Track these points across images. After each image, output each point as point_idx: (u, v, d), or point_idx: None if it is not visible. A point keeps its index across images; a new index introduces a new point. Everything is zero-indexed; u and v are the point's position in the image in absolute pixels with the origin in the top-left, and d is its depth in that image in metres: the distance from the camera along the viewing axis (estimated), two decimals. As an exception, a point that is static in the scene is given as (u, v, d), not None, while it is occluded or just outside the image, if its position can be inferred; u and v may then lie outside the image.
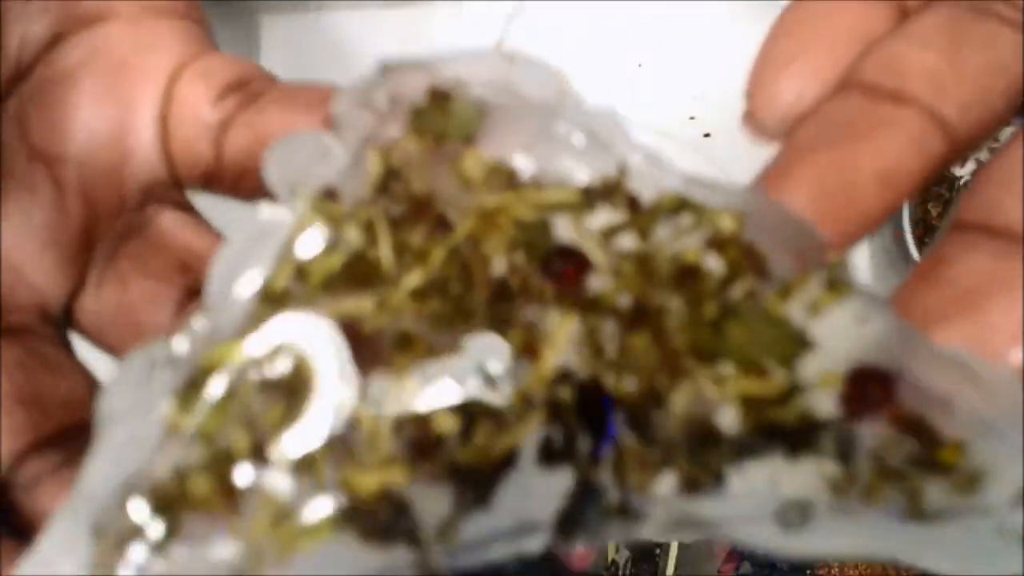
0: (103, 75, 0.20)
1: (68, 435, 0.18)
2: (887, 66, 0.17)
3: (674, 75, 0.41)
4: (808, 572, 0.46)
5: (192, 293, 0.20)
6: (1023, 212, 0.16)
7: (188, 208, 0.21)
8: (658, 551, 0.47)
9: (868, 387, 0.15)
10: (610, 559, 0.48)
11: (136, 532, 0.14)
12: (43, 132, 0.20)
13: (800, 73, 0.17)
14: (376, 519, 0.14)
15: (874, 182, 0.15)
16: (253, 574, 0.14)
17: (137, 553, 0.14)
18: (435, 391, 0.15)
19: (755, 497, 0.15)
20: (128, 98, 0.20)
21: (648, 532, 0.15)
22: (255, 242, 0.16)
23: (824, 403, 0.15)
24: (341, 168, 0.16)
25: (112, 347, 0.20)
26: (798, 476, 0.15)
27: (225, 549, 0.14)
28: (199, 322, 0.15)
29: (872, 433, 0.15)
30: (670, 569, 0.48)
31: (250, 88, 0.20)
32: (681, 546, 0.48)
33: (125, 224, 0.20)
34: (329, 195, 0.16)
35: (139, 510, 0.14)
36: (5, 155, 0.20)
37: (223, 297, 0.15)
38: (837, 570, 0.46)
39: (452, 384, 0.15)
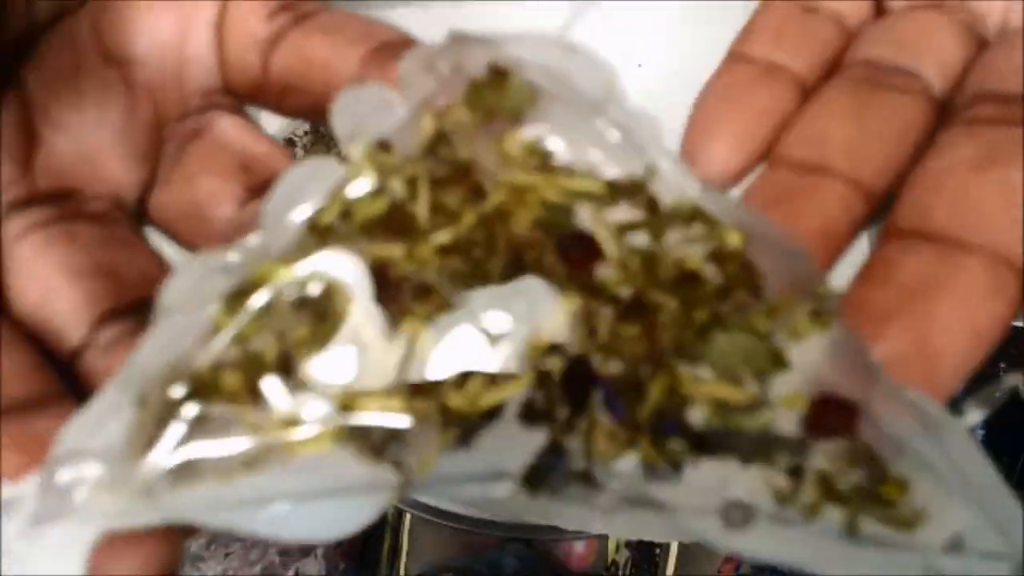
0: None
1: (142, 307, 0.20)
2: (809, 141, 0.19)
3: (675, 75, 0.41)
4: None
5: (252, 191, 0.22)
6: (953, 217, 0.18)
7: (245, 115, 0.23)
8: (658, 551, 0.48)
9: (830, 414, 0.16)
10: (610, 559, 0.48)
11: (173, 410, 0.17)
12: (114, 36, 0.22)
13: (724, 144, 0.20)
14: (371, 440, 0.16)
15: (812, 244, 0.18)
16: (258, 464, 0.16)
17: (176, 428, 0.16)
18: (443, 343, 0.17)
19: (706, 491, 0.16)
20: (188, 7, 0.22)
21: (603, 502, 0.16)
22: (312, 177, 0.17)
23: (786, 420, 0.16)
24: (398, 123, 0.18)
25: (180, 239, 0.22)
26: (749, 481, 0.16)
27: (241, 438, 0.16)
28: (253, 240, 0.17)
29: (825, 455, 0.16)
30: (670, 569, 0.48)
31: (300, 9, 0.22)
32: (681, 546, 0.47)
33: (190, 127, 0.22)
34: (383, 147, 0.17)
35: (179, 392, 0.17)
36: (83, 57, 0.22)
37: (277, 220, 0.17)
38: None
39: (458, 340, 0.17)
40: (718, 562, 0.48)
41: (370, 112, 0.18)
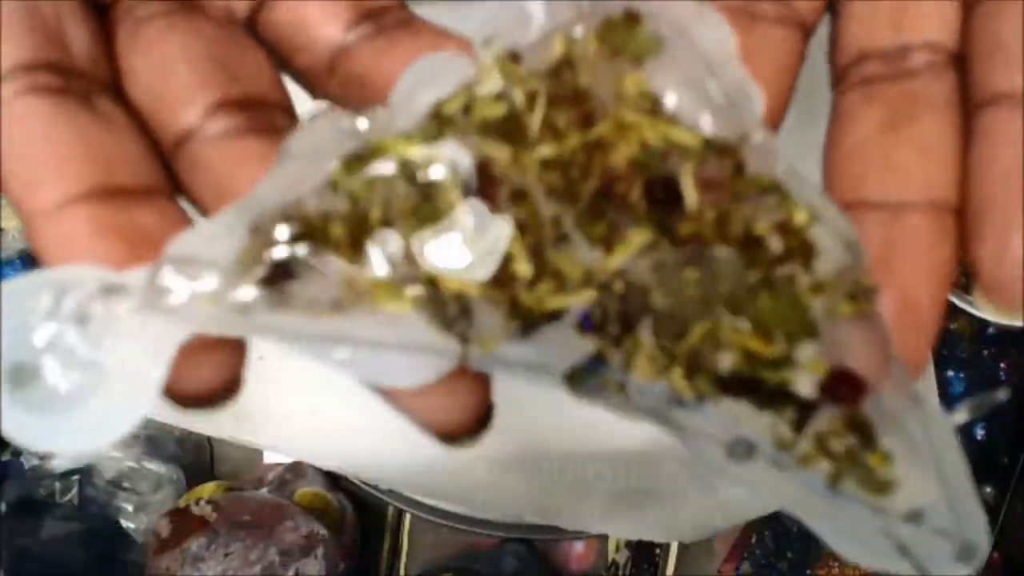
0: None
1: (252, 105, 0.21)
2: None
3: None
4: (807, 572, 0.48)
5: (360, 16, 0.22)
6: (885, 183, 0.20)
7: None
8: (658, 551, 0.47)
9: (843, 385, 0.18)
10: (610, 559, 0.48)
11: (281, 243, 0.19)
12: None
13: None
14: (446, 311, 0.19)
15: None
16: (343, 309, 0.18)
17: (280, 259, 0.18)
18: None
19: (719, 424, 0.19)
20: None
21: (626, 411, 0.19)
22: (445, 68, 0.19)
23: (803, 381, 0.18)
24: (531, 39, 0.19)
25: (286, 55, 0.23)
26: (757, 424, 0.19)
27: (334, 284, 0.19)
28: (381, 113, 0.19)
29: (827, 417, 0.18)
30: (670, 569, 0.48)
31: None
32: (681, 546, 0.47)
33: None
34: (513, 57, 0.19)
35: (290, 229, 0.19)
36: None
37: (404, 100, 0.19)
38: (838, 570, 0.48)
39: None
40: (718, 562, 0.49)
41: (509, 23, 0.19)
